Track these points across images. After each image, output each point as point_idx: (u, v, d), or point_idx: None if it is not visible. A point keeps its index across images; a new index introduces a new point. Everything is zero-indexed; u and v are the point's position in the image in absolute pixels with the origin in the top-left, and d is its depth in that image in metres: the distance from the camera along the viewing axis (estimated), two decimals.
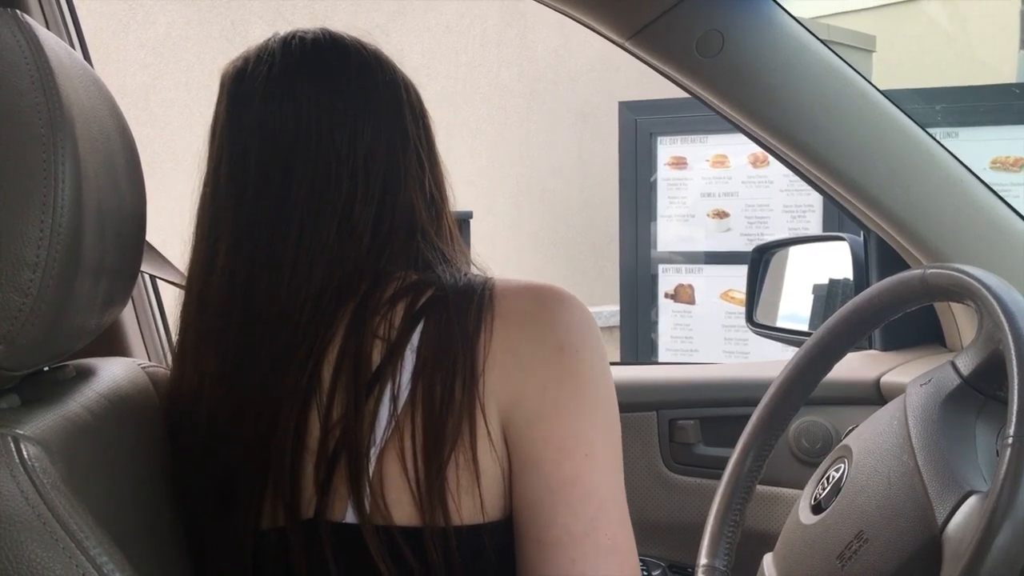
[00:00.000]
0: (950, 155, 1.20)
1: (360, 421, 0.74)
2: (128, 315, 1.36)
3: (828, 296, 1.59)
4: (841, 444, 0.88)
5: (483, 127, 5.25)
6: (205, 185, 0.85)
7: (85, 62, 0.74)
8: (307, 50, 0.84)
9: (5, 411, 0.63)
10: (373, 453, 0.74)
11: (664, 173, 4.08)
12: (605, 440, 0.76)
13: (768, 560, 0.91)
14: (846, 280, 1.47)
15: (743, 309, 1.67)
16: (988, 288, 0.72)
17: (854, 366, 1.36)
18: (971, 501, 0.68)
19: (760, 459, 0.95)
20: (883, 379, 1.33)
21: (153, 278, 1.44)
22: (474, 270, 0.85)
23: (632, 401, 1.40)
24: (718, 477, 0.98)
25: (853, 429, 0.92)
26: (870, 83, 1.19)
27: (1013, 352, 0.67)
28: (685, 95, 1.27)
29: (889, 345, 1.42)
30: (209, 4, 4.25)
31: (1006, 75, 7.73)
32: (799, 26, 1.16)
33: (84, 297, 0.65)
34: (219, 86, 0.86)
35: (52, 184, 0.59)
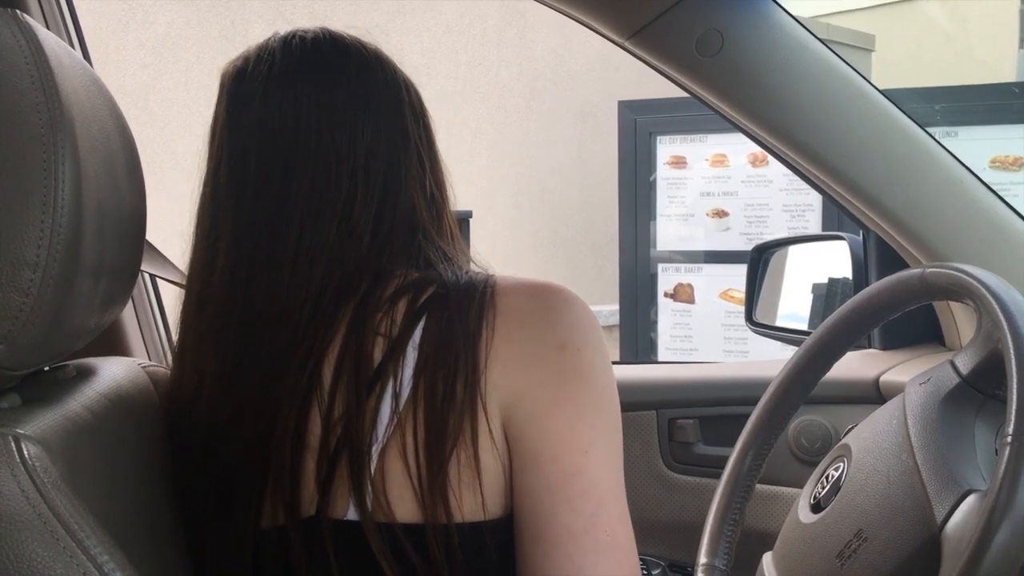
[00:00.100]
0: (949, 154, 1.20)
1: (362, 418, 0.74)
2: (128, 315, 1.36)
3: (827, 295, 1.59)
4: (840, 443, 0.88)
5: (483, 126, 5.25)
6: (205, 185, 0.85)
7: (85, 62, 0.74)
8: (307, 49, 0.84)
9: (5, 411, 0.63)
10: (375, 450, 0.74)
11: (663, 172, 4.08)
12: (606, 438, 0.76)
13: (768, 559, 0.91)
14: (845, 279, 1.47)
15: (742, 308, 1.67)
16: (987, 287, 0.73)
17: (853, 365, 1.36)
18: (970, 500, 0.68)
19: (760, 458, 0.95)
20: (882, 378, 1.33)
21: (153, 277, 1.44)
22: (475, 268, 0.85)
23: (632, 400, 1.40)
24: (718, 476, 0.98)
25: (852, 428, 0.92)
26: (869, 82, 1.19)
27: (1012, 351, 0.67)
28: (685, 95, 1.27)
29: (888, 344, 1.42)
30: (209, 4, 4.25)
31: (1005, 74, 7.73)
32: (798, 25, 1.16)
33: (84, 297, 0.66)
34: (219, 86, 0.86)
35: (52, 184, 0.59)
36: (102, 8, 3.92)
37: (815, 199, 3.73)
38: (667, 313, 4.10)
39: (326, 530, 0.74)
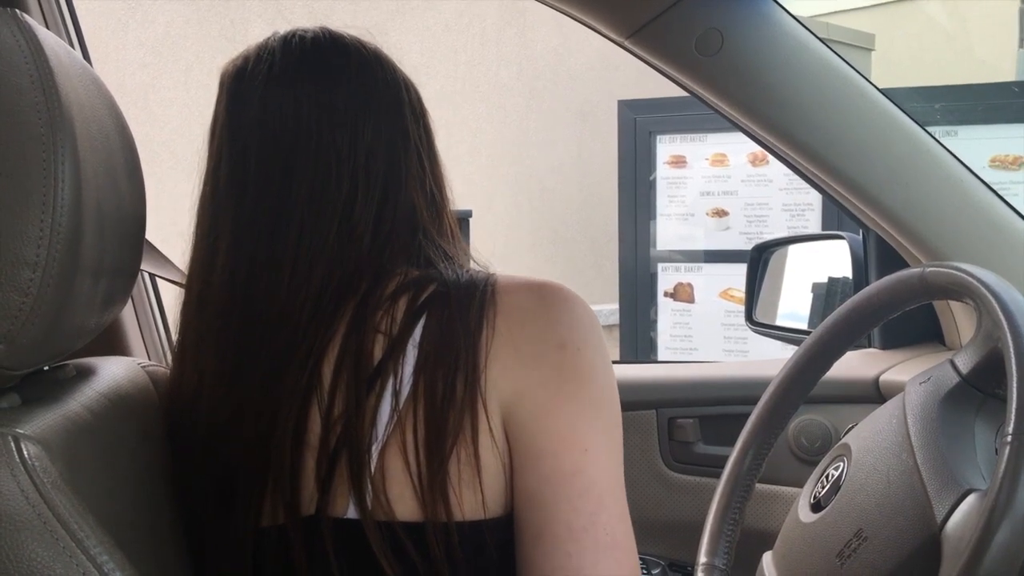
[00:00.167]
0: (949, 154, 1.20)
1: (361, 417, 0.74)
2: (128, 314, 1.36)
3: (827, 295, 1.59)
4: (840, 442, 0.88)
5: (482, 126, 5.25)
6: (205, 184, 0.85)
7: (84, 61, 0.74)
8: (307, 49, 0.84)
9: (5, 410, 0.63)
10: (375, 448, 0.74)
11: (663, 172, 4.08)
12: (606, 437, 0.76)
13: (767, 558, 0.91)
14: (845, 279, 1.47)
15: (742, 308, 1.67)
16: (987, 286, 0.73)
17: (853, 364, 1.36)
18: (970, 499, 0.68)
19: (759, 457, 0.95)
20: (882, 377, 1.33)
21: (153, 277, 1.44)
22: (475, 267, 0.85)
23: (631, 399, 1.40)
24: (717, 475, 0.98)
25: (852, 427, 0.92)
26: (869, 81, 1.19)
27: (1012, 350, 0.67)
28: (684, 94, 1.27)
29: (888, 343, 1.42)
30: (208, 3, 4.25)
31: (1005, 73, 7.73)
32: (798, 24, 1.16)
33: (84, 296, 0.66)
34: (219, 85, 0.86)
35: (52, 183, 0.59)
36: (102, 7, 3.92)
37: (815, 198, 3.74)
38: (667, 312, 4.10)
39: (326, 529, 0.74)
